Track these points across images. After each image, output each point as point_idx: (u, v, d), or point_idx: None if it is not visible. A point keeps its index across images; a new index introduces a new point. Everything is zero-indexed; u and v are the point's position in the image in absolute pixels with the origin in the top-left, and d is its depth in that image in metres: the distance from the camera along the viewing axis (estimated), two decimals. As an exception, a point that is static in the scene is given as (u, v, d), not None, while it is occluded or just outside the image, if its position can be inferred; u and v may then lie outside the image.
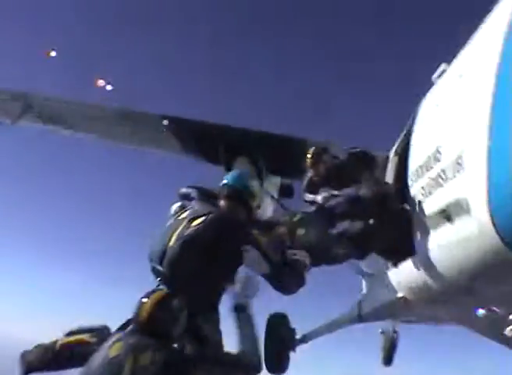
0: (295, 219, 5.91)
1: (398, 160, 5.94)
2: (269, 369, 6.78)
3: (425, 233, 4.29)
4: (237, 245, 4.03)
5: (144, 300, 3.81)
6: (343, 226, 5.62)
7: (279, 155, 7.40)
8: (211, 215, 4.04)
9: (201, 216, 4.07)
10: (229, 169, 8.32)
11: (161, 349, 3.64)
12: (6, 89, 8.43)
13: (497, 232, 3.23)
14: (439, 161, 3.96)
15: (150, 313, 3.79)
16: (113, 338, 3.78)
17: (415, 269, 4.88)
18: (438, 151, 4.05)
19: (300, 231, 5.71)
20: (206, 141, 7.82)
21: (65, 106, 8.15)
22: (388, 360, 10.65)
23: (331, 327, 7.36)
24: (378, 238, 5.53)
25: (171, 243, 4.04)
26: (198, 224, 4.02)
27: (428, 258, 4.38)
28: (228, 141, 7.51)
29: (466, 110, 3.73)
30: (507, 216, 3.16)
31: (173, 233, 4.09)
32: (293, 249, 4.62)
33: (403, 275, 5.32)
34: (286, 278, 4.20)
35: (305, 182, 6.56)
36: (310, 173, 6.41)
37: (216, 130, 7.59)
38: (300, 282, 4.24)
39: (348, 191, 5.74)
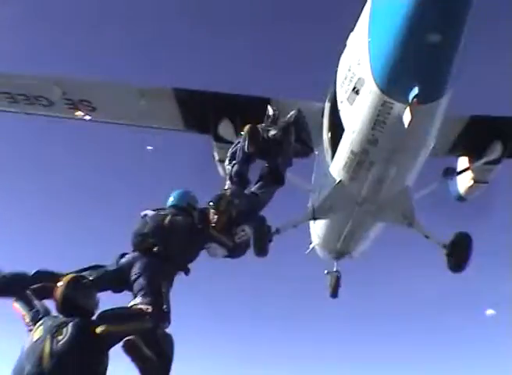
0: (228, 195, 7.11)
1: (331, 105, 9.27)
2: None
3: (348, 114, 7.63)
4: (197, 238, 5.74)
5: (59, 284, 4.44)
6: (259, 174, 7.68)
7: (252, 115, 10.22)
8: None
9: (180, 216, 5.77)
10: (215, 134, 10.99)
11: (75, 323, 4.14)
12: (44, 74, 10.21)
13: (377, 85, 6.65)
14: (349, 70, 7.41)
15: (64, 294, 4.39)
16: (38, 322, 4.31)
17: (346, 145, 8.10)
18: (349, 68, 7.50)
19: (236, 201, 6.80)
20: (195, 108, 10.05)
21: (94, 87, 10.11)
22: (334, 294, 13.79)
23: (295, 223, 10.42)
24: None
25: (165, 222, 5.63)
26: (182, 217, 5.72)
27: (351, 130, 7.68)
28: (214, 106, 9.90)
29: (358, 44, 7.21)
30: (379, 75, 6.58)
31: (165, 217, 5.69)
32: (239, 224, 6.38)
33: (339, 160, 8.52)
34: (239, 253, 6.15)
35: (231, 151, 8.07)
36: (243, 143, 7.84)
37: (204, 96, 9.92)
38: (247, 249, 6.20)
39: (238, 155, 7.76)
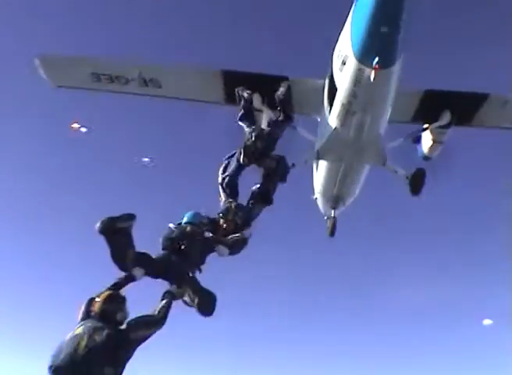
0: (233, 208, 9.16)
1: (329, 79, 13.62)
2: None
3: (340, 79, 12.01)
4: (207, 246, 7.84)
5: (97, 299, 5.41)
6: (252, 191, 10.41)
7: (273, 89, 13.28)
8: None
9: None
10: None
11: (108, 330, 4.98)
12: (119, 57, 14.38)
13: (355, 58, 11.07)
14: (340, 51, 11.84)
15: (102, 308, 5.25)
16: (80, 322, 5.20)
17: (338, 100, 12.42)
18: (340, 50, 11.92)
19: (240, 213, 8.96)
20: (234, 85, 13.21)
21: (163, 67, 13.92)
22: (332, 234, 18.04)
23: (305, 160, 14.51)
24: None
25: (188, 230, 7.69)
26: (200, 229, 7.91)
27: (341, 89, 12.06)
28: (248, 82, 13.23)
29: (345, 35, 11.61)
30: (356, 50, 10.99)
31: (187, 227, 7.80)
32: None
33: (334, 112, 12.87)
34: (237, 249, 8.28)
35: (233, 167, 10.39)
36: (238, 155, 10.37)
37: (241, 75, 13.50)
38: (243, 246, 8.45)
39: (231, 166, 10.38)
